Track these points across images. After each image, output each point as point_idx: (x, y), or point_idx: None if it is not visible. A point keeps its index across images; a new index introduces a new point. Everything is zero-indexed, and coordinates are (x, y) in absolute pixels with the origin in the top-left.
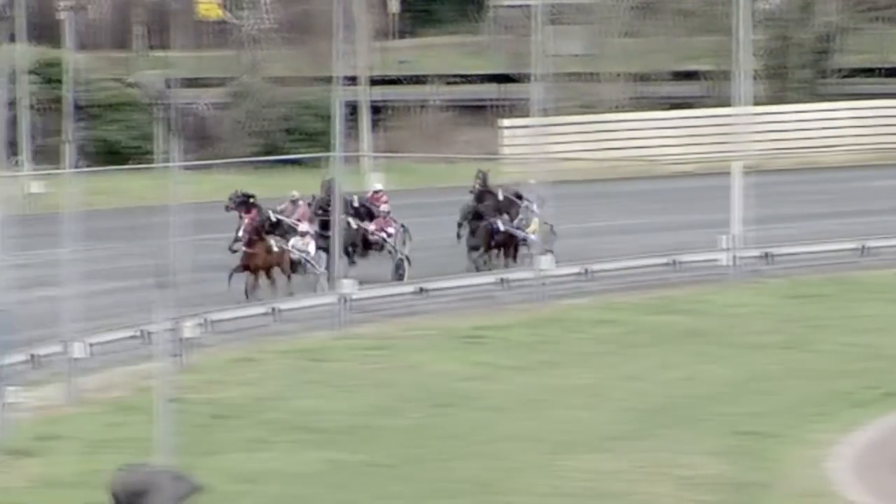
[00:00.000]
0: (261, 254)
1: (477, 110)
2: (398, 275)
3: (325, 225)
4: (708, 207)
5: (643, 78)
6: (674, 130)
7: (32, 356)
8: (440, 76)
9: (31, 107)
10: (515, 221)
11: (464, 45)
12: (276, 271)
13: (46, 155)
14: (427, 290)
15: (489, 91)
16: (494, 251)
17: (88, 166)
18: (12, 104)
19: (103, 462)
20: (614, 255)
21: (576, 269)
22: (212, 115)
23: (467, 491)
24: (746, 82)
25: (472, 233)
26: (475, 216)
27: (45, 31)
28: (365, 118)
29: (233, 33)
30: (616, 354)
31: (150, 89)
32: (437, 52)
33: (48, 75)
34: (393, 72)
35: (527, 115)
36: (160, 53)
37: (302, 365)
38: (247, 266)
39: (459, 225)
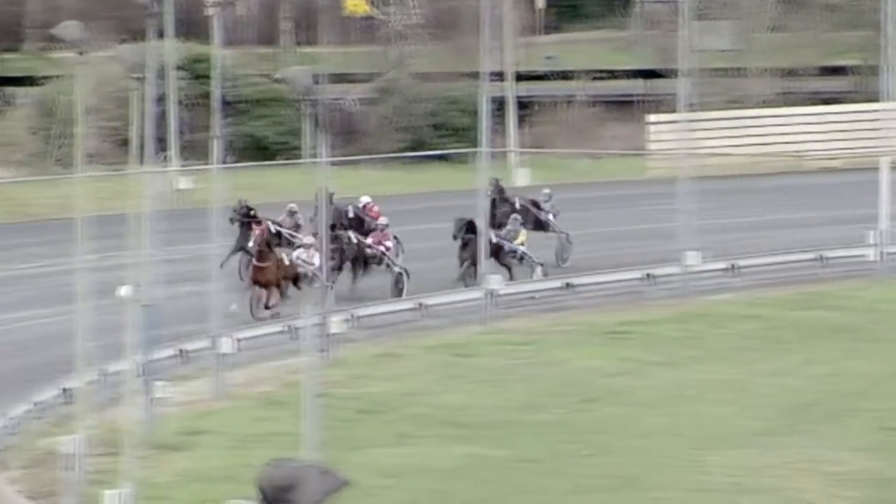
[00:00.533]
0: (271, 267)
1: (623, 106)
2: (397, 289)
3: (333, 240)
4: (855, 203)
5: (790, 73)
6: (820, 126)
7: (180, 351)
8: (586, 71)
9: (179, 103)
10: (503, 232)
11: (610, 40)
12: (284, 285)
13: (194, 150)
14: (573, 286)
15: (635, 86)
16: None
17: (236, 162)
18: (161, 100)
19: (250, 457)
20: (760, 251)
21: (722, 265)
22: (359, 110)
23: (612, 486)
24: (894, 77)
25: (464, 245)
26: (468, 229)
27: (192, 27)
28: (511, 114)
29: (380, 29)
30: (761, 350)
31: (298, 85)
32: (582, 47)
33: (196, 71)
34: (539, 67)
35: (673, 111)
36: (307, 49)
37: (447, 360)
38: (257, 281)
39: (454, 237)
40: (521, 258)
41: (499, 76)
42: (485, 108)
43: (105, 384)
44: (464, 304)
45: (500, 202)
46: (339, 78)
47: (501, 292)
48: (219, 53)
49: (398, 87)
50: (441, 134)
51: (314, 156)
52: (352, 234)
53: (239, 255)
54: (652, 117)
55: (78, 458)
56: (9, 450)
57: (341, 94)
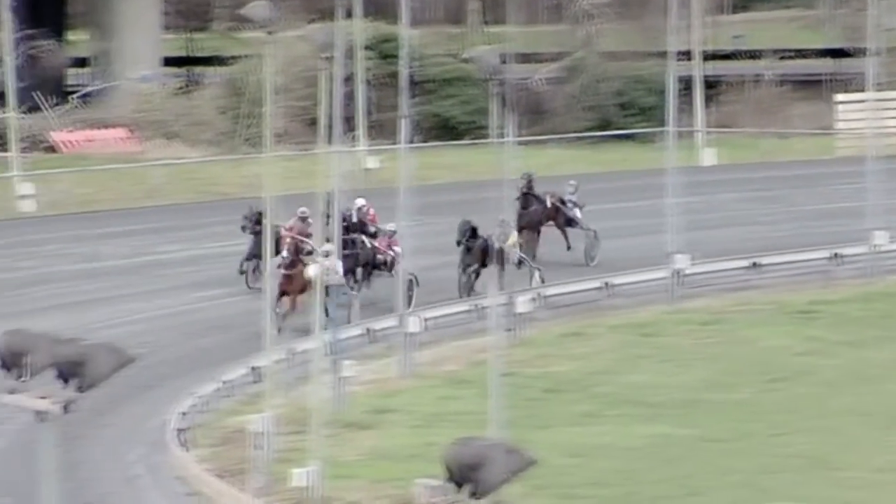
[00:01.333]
0: (299, 277)
1: (811, 85)
2: (408, 296)
3: (345, 243)
4: None
5: None
6: None
7: (368, 330)
8: (774, 51)
9: (367, 82)
10: (495, 234)
11: (798, 19)
12: (306, 295)
13: (381, 130)
14: (760, 265)
15: (824, 66)
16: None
17: (423, 141)
18: (349, 80)
19: (436, 435)
20: None
21: None
22: (546, 90)
23: (800, 466)
24: None
25: (468, 250)
26: (472, 233)
27: (380, 7)
28: (698, 93)
29: (567, 8)
30: None
31: (485, 65)
32: (770, 26)
33: (384, 51)
34: (726, 46)
35: (861, 90)
36: (494, 29)
37: (633, 339)
38: (285, 291)
39: (458, 243)
40: (520, 263)
41: (686, 55)
42: (672, 88)
43: (293, 363)
44: (650, 283)
45: (530, 199)
46: (527, 57)
47: (688, 271)
48: (406, 33)
49: (585, 67)
50: (627, 113)
51: (501, 135)
52: (365, 239)
53: (253, 262)
54: (840, 96)
55: (266, 437)
56: (198, 428)
57: (528, 73)
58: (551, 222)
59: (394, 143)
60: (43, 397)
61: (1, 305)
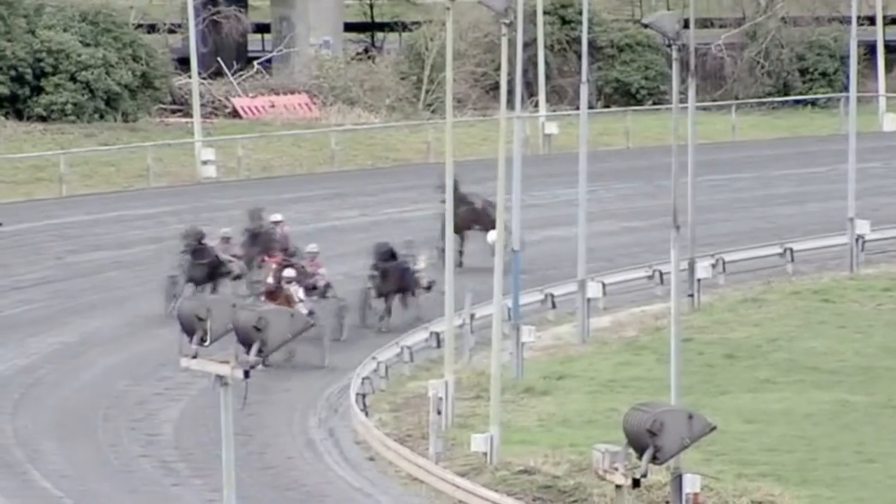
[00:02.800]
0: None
1: None
2: (340, 324)
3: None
4: None
5: None
6: None
7: (547, 296)
8: None
9: (550, 48)
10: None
11: None
12: None
13: (561, 95)
14: None
15: None
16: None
17: (604, 107)
18: (529, 45)
19: (614, 401)
20: None
21: None
22: (726, 55)
23: None
24: None
25: (383, 276)
26: (388, 257)
27: None
28: (880, 58)
29: None
30: None
31: (665, 29)
32: None
33: (564, 16)
34: None
35: None
36: None
37: (812, 305)
38: None
39: (374, 268)
40: (429, 287)
41: (868, 20)
42: (854, 53)
43: (472, 328)
44: (830, 249)
45: (458, 204)
46: (707, 22)
47: (868, 237)
48: None
49: (765, 32)
50: (807, 79)
51: (681, 101)
52: (304, 263)
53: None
54: None
55: (445, 402)
56: (378, 393)
57: (709, 38)
58: (478, 226)
59: (573, 109)
60: (224, 362)
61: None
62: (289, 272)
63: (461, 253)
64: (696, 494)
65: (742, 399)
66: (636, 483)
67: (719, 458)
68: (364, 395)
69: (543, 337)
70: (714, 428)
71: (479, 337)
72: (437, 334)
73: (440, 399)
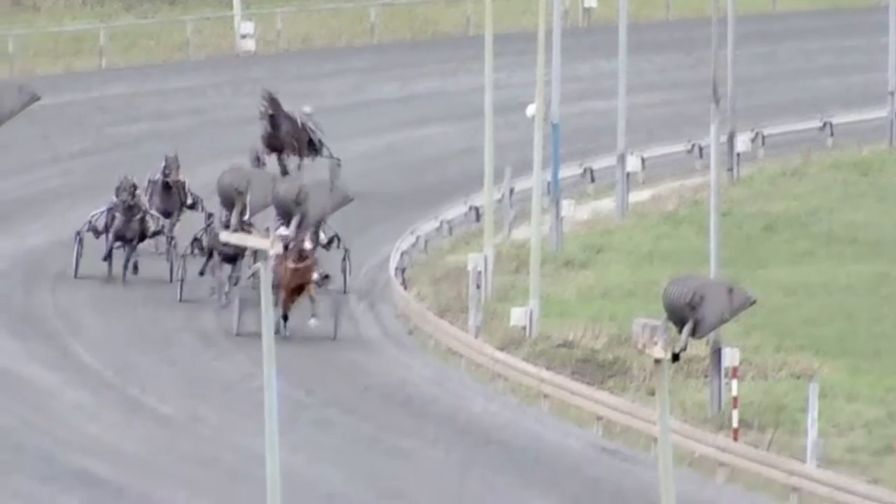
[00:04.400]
0: (306, 272)
1: None
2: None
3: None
4: None
5: None
6: None
7: (586, 169)
8: None
9: None
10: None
11: None
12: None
13: None
14: None
15: None
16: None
17: None
18: None
19: (653, 273)
20: None
21: None
22: None
23: None
24: None
25: (128, 217)
26: (131, 194)
27: None
28: None
29: None
30: None
31: None
32: None
33: None
34: None
35: None
36: None
37: (851, 178)
38: (295, 287)
39: (109, 211)
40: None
41: None
42: None
43: (511, 202)
44: (870, 122)
45: (280, 118)
46: None
47: None
48: None
49: None
50: None
51: None
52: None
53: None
54: None
55: (485, 275)
56: (417, 266)
57: None
58: (295, 144)
59: None
60: (263, 237)
61: (219, 141)
62: (283, 230)
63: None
64: (735, 368)
65: (781, 271)
66: (675, 357)
67: (758, 330)
68: (403, 269)
69: (582, 210)
70: (754, 301)
71: (519, 210)
72: (477, 208)
73: (479, 273)
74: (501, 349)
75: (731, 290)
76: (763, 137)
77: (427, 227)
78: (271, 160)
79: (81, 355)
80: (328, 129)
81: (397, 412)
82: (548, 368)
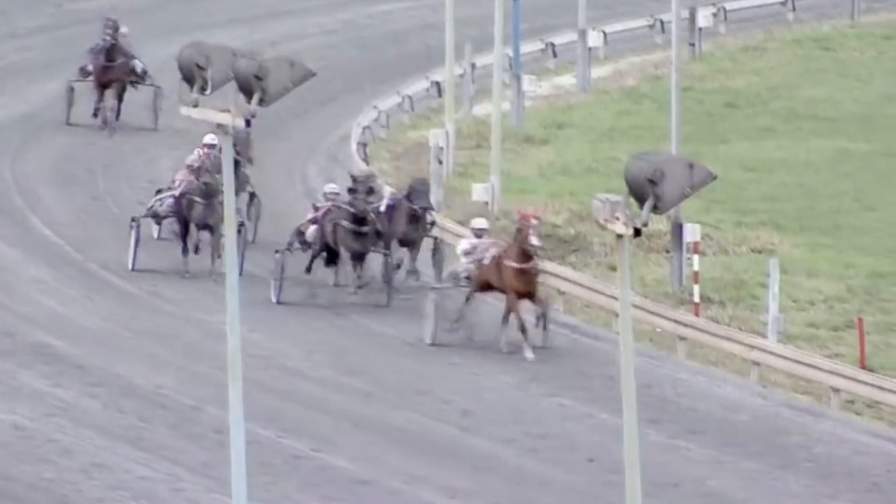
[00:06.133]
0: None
1: None
2: None
3: None
4: None
5: None
6: None
7: (548, 45)
8: None
9: None
10: None
11: None
12: None
13: None
14: None
15: None
16: None
17: None
18: None
19: (615, 150)
20: None
21: None
22: None
23: None
24: None
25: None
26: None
27: None
28: None
29: None
30: None
31: None
32: None
33: None
34: None
35: None
36: None
37: (813, 54)
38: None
39: None
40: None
41: None
42: None
43: (472, 77)
44: None
45: (117, 50)
46: None
47: None
48: None
49: None
50: None
51: None
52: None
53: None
54: None
55: (446, 151)
56: (379, 141)
57: None
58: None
59: None
60: (225, 110)
61: (181, 16)
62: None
63: None
64: (696, 243)
65: (741, 148)
66: (637, 232)
67: (719, 206)
68: (364, 145)
69: (543, 86)
70: (715, 177)
71: (480, 86)
72: (438, 83)
73: (440, 148)
74: (463, 223)
75: (691, 166)
76: (725, 13)
77: (389, 102)
78: (83, 94)
79: (41, 230)
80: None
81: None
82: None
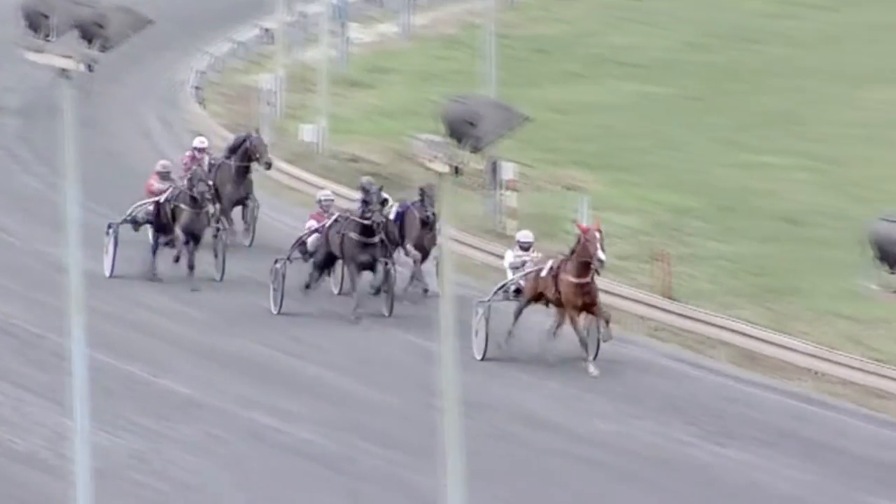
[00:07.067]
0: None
1: None
2: None
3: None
4: None
5: None
6: None
7: None
8: None
9: None
10: None
11: None
12: None
13: None
14: None
15: None
16: None
17: None
18: None
19: (432, 93)
20: None
21: None
22: None
23: (773, 122)
24: None
25: None
26: None
27: None
28: None
29: None
30: None
31: None
32: None
33: None
34: None
35: None
36: None
37: (620, 3)
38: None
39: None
40: None
41: None
42: None
43: (301, 25)
44: None
45: None
46: None
47: None
48: None
49: None
50: None
51: None
52: None
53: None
54: None
55: (276, 94)
56: (211, 86)
57: None
58: None
59: None
60: (66, 56)
61: None
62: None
63: None
64: (511, 181)
65: (551, 91)
66: (456, 171)
67: (530, 145)
68: (199, 88)
69: (368, 33)
70: (527, 118)
71: (308, 33)
72: (269, 30)
73: (272, 92)
74: (291, 163)
75: (504, 108)
76: None
77: (221, 48)
78: None
79: None
80: None
81: None
82: (337, 182)
